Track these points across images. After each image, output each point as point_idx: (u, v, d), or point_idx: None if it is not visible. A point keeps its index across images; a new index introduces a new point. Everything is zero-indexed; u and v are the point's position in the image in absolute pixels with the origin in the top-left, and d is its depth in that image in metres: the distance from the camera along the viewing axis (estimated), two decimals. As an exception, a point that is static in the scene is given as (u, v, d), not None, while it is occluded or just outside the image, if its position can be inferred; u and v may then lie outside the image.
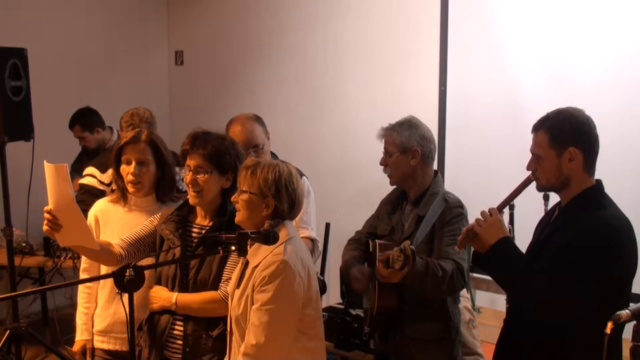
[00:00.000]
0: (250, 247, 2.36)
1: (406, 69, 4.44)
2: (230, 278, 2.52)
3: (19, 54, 3.54)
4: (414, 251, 2.46)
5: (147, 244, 2.71)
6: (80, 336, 2.93)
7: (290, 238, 2.36)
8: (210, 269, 2.56)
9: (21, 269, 4.56)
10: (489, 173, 3.93)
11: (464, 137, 4.07)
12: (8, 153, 3.66)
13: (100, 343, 2.88)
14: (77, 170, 4.08)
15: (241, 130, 3.18)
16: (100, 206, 2.96)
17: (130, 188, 2.85)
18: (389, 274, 2.56)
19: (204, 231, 2.63)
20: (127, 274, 2.03)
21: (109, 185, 3.60)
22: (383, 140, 2.91)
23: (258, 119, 3.29)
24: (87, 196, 3.67)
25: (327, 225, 4.26)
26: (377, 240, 2.82)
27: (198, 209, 2.69)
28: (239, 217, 2.40)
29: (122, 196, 2.90)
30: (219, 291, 2.54)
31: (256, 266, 2.33)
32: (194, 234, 2.65)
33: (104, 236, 2.84)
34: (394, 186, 2.95)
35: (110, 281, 2.86)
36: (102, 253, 2.54)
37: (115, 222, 2.88)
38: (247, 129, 3.19)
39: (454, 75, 4.18)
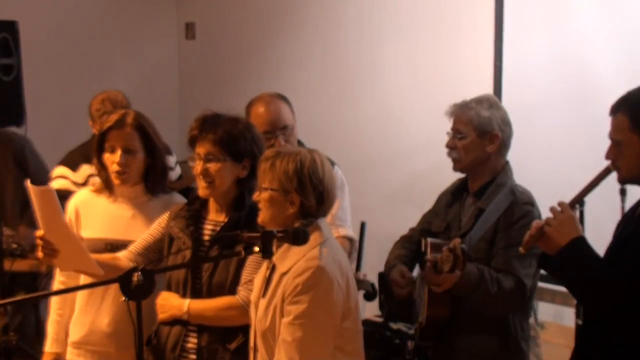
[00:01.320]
0: (276, 249, 2.36)
1: (455, 42, 4.40)
2: (250, 280, 2.54)
3: (10, 28, 3.58)
4: (465, 251, 2.43)
5: (158, 251, 2.73)
6: (49, 348, 2.96)
7: (325, 240, 2.37)
8: (226, 271, 2.58)
9: (11, 274, 4.58)
10: (554, 162, 3.87)
11: (523, 120, 4.00)
12: (-4, 140, 3.70)
13: (74, 357, 2.89)
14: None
15: (266, 110, 3.19)
16: (81, 197, 2.98)
17: (115, 179, 2.87)
18: (438, 279, 2.54)
19: (218, 228, 2.65)
20: (135, 278, 2.03)
21: (84, 184, 3.61)
22: (452, 119, 2.87)
23: (283, 98, 3.31)
24: (62, 202, 3.68)
25: (363, 225, 4.26)
26: (429, 239, 2.79)
27: (212, 202, 2.71)
28: (262, 218, 2.42)
29: (106, 186, 2.92)
30: (237, 296, 2.56)
31: (285, 272, 2.34)
32: (207, 231, 2.68)
33: (86, 230, 2.88)
34: (457, 172, 2.92)
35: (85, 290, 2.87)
36: (110, 273, 2.53)
37: (98, 214, 2.90)
38: (272, 109, 3.20)
39: (511, 48, 4.12)
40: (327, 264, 2.29)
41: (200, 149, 2.62)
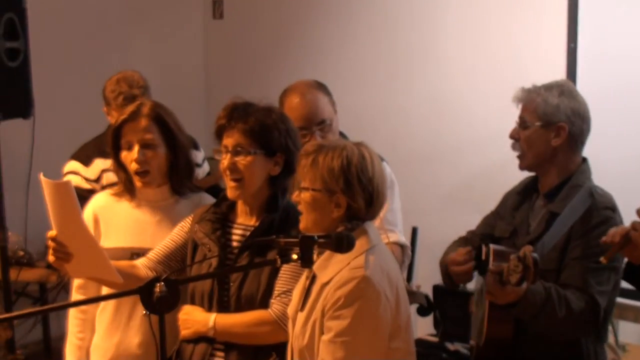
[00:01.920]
0: (317, 257, 2.33)
1: (524, 21, 4.36)
2: (285, 291, 2.55)
3: (16, 7, 3.62)
4: (537, 261, 2.38)
5: (180, 259, 2.75)
6: None
7: (373, 246, 2.36)
8: (257, 282, 2.59)
9: (18, 285, 4.65)
10: (637, 160, 3.83)
11: (602, 111, 3.93)
12: (2, 134, 3.73)
13: None
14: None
15: (301, 102, 3.20)
16: (99, 202, 3.00)
17: (137, 181, 2.89)
18: (502, 292, 2.49)
19: (249, 232, 2.65)
20: (157, 289, 2.03)
21: (97, 181, 3.63)
22: (520, 106, 2.82)
23: (322, 87, 3.30)
24: None
25: (414, 231, 4.25)
26: (491, 245, 2.75)
27: (240, 204, 2.71)
28: (303, 224, 2.42)
29: (127, 189, 2.94)
30: (270, 310, 2.55)
31: (327, 283, 2.33)
32: (236, 236, 2.69)
33: (107, 240, 2.90)
34: (524, 170, 2.89)
35: (113, 303, 2.91)
36: (129, 282, 2.55)
37: (121, 221, 2.93)
38: (308, 101, 3.20)
39: (588, 29, 4.09)
40: (373, 273, 2.28)
41: (228, 140, 2.62)
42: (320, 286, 2.34)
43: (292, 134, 2.67)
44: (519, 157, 2.85)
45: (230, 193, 2.64)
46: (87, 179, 3.64)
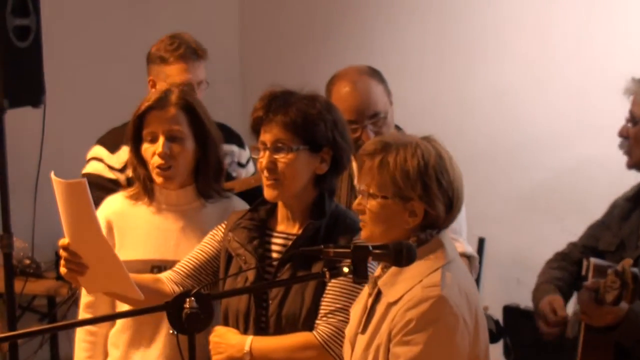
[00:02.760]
0: (383, 270, 2.37)
1: (594, 6, 4.37)
2: (333, 311, 2.55)
3: (27, -21, 3.62)
4: (638, 277, 2.35)
5: (212, 272, 2.77)
6: None
7: (450, 262, 2.35)
8: (301, 299, 2.59)
9: (24, 298, 4.68)
10: None
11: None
12: (8, 125, 3.77)
13: None
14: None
15: (351, 91, 3.21)
16: (113, 206, 3.01)
17: (157, 177, 2.89)
18: (598, 312, 2.47)
19: (291, 242, 2.65)
20: (188, 304, 2.03)
21: (122, 170, 3.66)
22: (631, 98, 2.86)
23: (376, 74, 3.30)
24: (92, 191, 3.71)
25: (481, 242, 4.23)
26: (592, 259, 2.74)
27: (281, 208, 2.72)
28: (366, 233, 2.40)
29: (145, 190, 2.95)
30: (315, 332, 2.56)
31: (394, 302, 2.32)
32: (276, 246, 2.70)
33: (123, 251, 2.89)
34: (632, 169, 2.90)
35: (132, 322, 2.92)
36: (151, 299, 2.55)
37: (139, 228, 2.94)
38: (360, 90, 3.21)
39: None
40: (451, 294, 2.27)
41: (267, 136, 2.63)
42: (386, 305, 2.33)
43: (340, 126, 2.66)
44: (626, 154, 2.85)
45: (267, 192, 2.64)
46: (111, 168, 3.66)
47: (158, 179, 2.88)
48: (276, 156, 2.61)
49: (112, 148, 3.69)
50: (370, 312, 2.38)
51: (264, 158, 2.63)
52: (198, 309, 2.03)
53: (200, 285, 2.63)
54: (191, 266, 2.76)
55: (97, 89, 5.05)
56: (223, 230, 2.78)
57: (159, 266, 2.84)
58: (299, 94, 2.66)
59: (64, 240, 2.51)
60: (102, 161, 3.68)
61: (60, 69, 4.40)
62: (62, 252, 2.52)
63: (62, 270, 2.54)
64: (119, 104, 3.96)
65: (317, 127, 2.61)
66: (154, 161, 2.86)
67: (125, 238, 2.94)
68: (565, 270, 3.00)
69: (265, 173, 2.62)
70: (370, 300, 2.40)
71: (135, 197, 2.97)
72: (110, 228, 2.95)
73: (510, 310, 3.27)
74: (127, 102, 3.74)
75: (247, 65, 6.03)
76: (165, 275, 2.75)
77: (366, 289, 2.44)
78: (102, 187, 3.57)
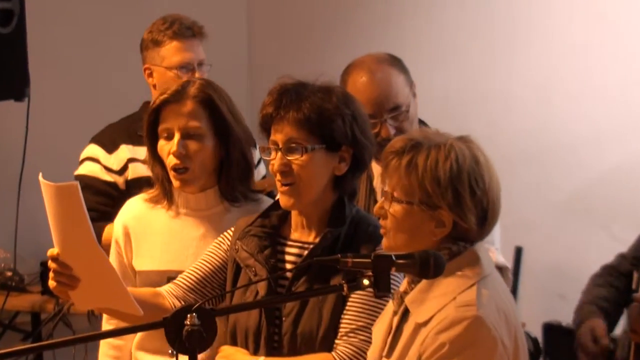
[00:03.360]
0: (410, 285, 2.36)
1: None
2: (354, 329, 2.53)
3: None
4: None
5: (217, 285, 2.78)
6: None
7: (486, 276, 2.35)
8: (318, 315, 2.58)
9: (5, 315, 4.70)
10: None
11: None
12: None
13: None
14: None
15: (369, 82, 3.22)
16: (132, 210, 3.04)
17: (174, 180, 2.91)
18: None
19: (306, 251, 2.66)
20: (188, 321, 2.02)
21: (120, 172, 3.66)
22: None
23: (397, 63, 3.31)
24: (86, 196, 3.67)
25: (518, 251, 4.22)
26: None
27: (295, 214, 2.72)
28: (387, 242, 2.40)
29: (164, 191, 2.96)
30: (334, 352, 2.55)
31: (424, 323, 2.31)
32: (290, 256, 2.70)
33: (141, 259, 2.95)
34: None
35: (158, 334, 2.90)
36: (148, 314, 2.55)
37: (156, 236, 2.96)
38: (379, 80, 3.22)
39: None
40: (488, 313, 2.26)
41: (278, 135, 2.63)
42: (414, 326, 2.32)
43: (360, 121, 2.65)
44: None
45: (283, 201, 2.64)
46: (108, 169, 3.68)
47: (175, 182, 2.90)
48: (289, 157, 2.61)
49: (110, 147, 3.71)
50: (396, 333, 2.38)
51: (275, 160, 2.62)
52: (200, 326, 2.02)
53: (203, 300, 2.64)
54: (194, 279, 2.75)
55: (87, 81, 5.04)
56: (230, 238, 2.78)
57: (175, 277, 2.83)
58: (312, 86, 2.65)
59: (53, 250, 2.51)
60: (98, 162, 3.69)
61: (47, 58, 4.40)
62: (51, 264, 2.53)
63: (51, 283, 2.55)
64: (112, 97, 3.99)
65: (334, 123, 2.60)
66: (169, 161, 2.87)
67: (141, 246, 2.96)
68: (612, 287, 3.00)
69: (278, 177, 2.62)
70: (396, 320, 2.40)
71: (154, 200, 2.99)
72: (127, 235, 2.98)
73: (550, 328, 3.26)
74: (121, 96, 3.76)
75: (256, 54, 6.04)
76: (165, 289, 2.75)
77: (390, 306, 2.43)
78: (98, 191, 3.59)
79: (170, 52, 3.60)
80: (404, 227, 2.36)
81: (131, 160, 3.67)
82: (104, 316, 3.02)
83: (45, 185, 2.41)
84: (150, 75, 3.71)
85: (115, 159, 3.66)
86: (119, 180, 3.62)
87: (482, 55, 4.93)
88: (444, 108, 4.28)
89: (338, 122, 2.60)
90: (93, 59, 5.08)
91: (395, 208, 2.36)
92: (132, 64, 3.95)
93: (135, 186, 3.38)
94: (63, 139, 4.10)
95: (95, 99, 4.92)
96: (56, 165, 3.49)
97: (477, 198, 2.32)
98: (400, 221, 2.35)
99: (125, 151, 3.69)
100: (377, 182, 3.27)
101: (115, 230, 2.99)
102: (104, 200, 3.32)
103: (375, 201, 3.23)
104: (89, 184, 3.67)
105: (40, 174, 2.45)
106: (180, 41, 3.63)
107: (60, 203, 2.43)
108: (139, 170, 3.55)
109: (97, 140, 3.76)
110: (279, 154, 2.61)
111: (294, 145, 2.60)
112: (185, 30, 3.62)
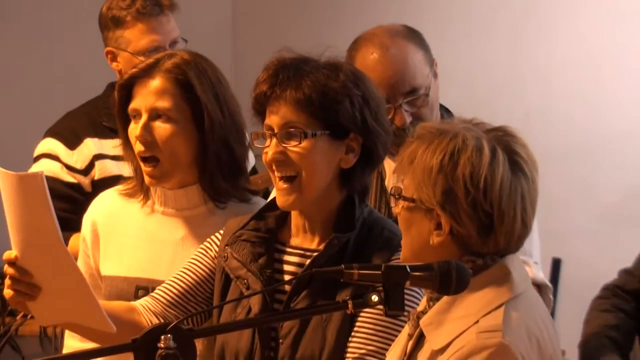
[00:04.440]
0: (428, 306, 2.34)
1: None
2: (364, 355, 2.54)
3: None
4: None
5: (203, 300, 2.78)
6: None
7: (517, 296, 2.33)
8: (321, 338, 2.58)
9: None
10: None
11: None
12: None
13: None
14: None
15: (381, 58, 3.21)
16: (102, 205, 3.05)
17: (145, 175, 2.90)
18: None
19: (308, 261, 2.64)
20: (162, 343, 2.01)
21: (85, 172, 3.64)
22: None
23: (414, 37, 3.30)
24: None
25: (556, 263, 4.24)
26: None
27: (295, 216, 2.72)
28: (402, 252, 2.41)
29: (140, 185, 2.95)
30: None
31: (441, 350, 2.30)
32: (288, 266, 2.71)
33: (108, 263, 2.97)
34: None
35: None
36: (121, 333, 2.55)
37: (126, 237, 2.96)
38: (393, 57, 3.22)
39: None
40: (516, 341, 2.25)
41: (274, 118, 2.61)
42: (430, 353, 2.31)
43: (372, 104, 2.63)
44: None
45: (280, 199, 2.62)
46: (70, 168, 3.65)
47: (146, 178, 2.89)
48: (286, 145, 2.59)
49: (71, 141, 3.68)
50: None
51: (270, 148, 2.61)
52: (176, 349, 2.01)
53: (185, 316, 2.68)
54: (176, 291, 2.75)
55: (45, 64, 5.09)
56: (218, 243, 2.77)
57: (146, 287, 2.85)
58: (316, 61, 2.63)
59: (11, 253, 2.51)
60: (58, 159, 3.67)
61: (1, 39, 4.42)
62: (7, 269, 2.52)
63: (7, 292, 2.55)
64: (69, 79, 3.97)
65: (341, 105, 2.58)
66: (137, 148, 2.87)
67: (110, 246, 2.97)
68: (621, 311, 3.00)
69: (274, 167, 2.61)
70: (410, 345, 2.40)
71: (129, 194, 3.00)
72: (95, 233, 2.99)
73: (590, 351, 3.27)
74: (83, 81, 3.74)
75: (240, 23, 6.04)
76: (141, 303, 2.73)
77: (406, 329, 2.43)
78: (58, 195, 3.56)
79: (136, 35, 3.58)
80: (406, 228, 2.40)
81: (98, 156, 3.64)
82: (66, 331, 3.05)
83: (4, 175, 2.40)
84: (114, 59, 3.67)
85: (79, 156, 3.63)
86: (84, 181, 3.60)
87: (516, 28, 4.95)
88: (469, 92, 4.28)
89: (345, 104, 2.58)
90: (44, 33, 5.10)
91: (398, 206, 2.40)
92: (92, 39, 3.92)
93: (104, 187, 3.31)
94: (17, 129, 4.10)
95: (47, 80, 4.92)
96: (12, 160, 3.47)
97: (473, 197, 2.30)
98: (402, 221, 2.40)
99: (90, 146, 3.65)
100: (389, 181, 3.26)
101: (83, 227, 2.99)
102: (66, 206, 3.30)
103: (387, 203, 3.23)
104: (48, 186, 3.65)
105: None
106: (146, 22, 3.62)
107: (20, 196, 2.43)
108: (107, 168, 3.54)
109: (55, 132, 3.72)
110: (274, 140, 2.60)
111: (291, 130, 2.59)
112: (151, 7, 3.60)
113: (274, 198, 2.69)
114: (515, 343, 2.25)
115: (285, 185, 2.61)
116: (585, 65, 4.81)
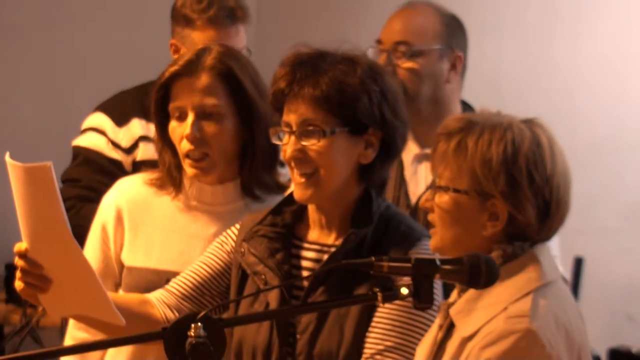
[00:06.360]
0: (459, 295, 2.38)
1: None
2: (383, 350, 2.55)
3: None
4: None
5: (218, 294, 2.80)
6: None
7: (546, 284, 2.36)
8: (339, 333, 2.59)
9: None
10: None
11: None
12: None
13: None
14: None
15: (399, 9, 3.38)
16: (128, 191, 3.03)
17: (189, 169, 2.91)
18: None
19: (326, 255, 2.68)
20: (193, 332, 2.01)
21: (129, 151, 3.68)
22: None
23: (439, 8, 3.39)
24: (85, 172, 3.73)
25: (578, 263, 4.21)
26: None
27: (312, 211, 2.75)
28: (435, 241, 2.44)
29: (171, 178, 2.96)
30: (359, 376, 2.59)
31: (471, 337, 2.33)
32: (306, 261, 2.73)
33: (132, 254, 2.97)
34: None
35: (126, 352, 2.94)
36: (133, 325, 2.56)
37: (157, 229, 2.97)
38: (404, 12, 3.39)
39: None
40: (543, 327, 2.27)
41: (292, 115, 2.64)
42: (460, 341, 2.34)
43: (390, 98, 2.65)
44: None
45: (297, 192, 2.65)
46: (115, 144, 3.66)
47: (190, 171, 2.90)
48: (305, 143, 2.62)
49: (120, 119, 3.69)
50: (439, 351, 2.40)
51: (288, 145, 2.64)
52: (207, 338, 2.00)
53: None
54: (190, 285, 2.77)
55: (56, 52, 5.07)
56: (234, 237, 2.80)
57: None
58: (333, 56, 2.65)
59: (21, 245, 2.51)
60: (105, 134, 3.68)
61: (14, 19, 4.42)
62: (18, 261, 2.53)
63: (18, 284, 2.55)
64: (96, 76, 3.95)
65: (359, 101, 2.60)
66: (183, 147, 2.88)
67: (138, 237, 2.97)
68: None
69: (293, 164, 2.64)
70: (440, 335, 2.42)
71: (157, 185, 3.00)
72: (120, 220, 2.98)
73: (618, 355, 3.26)
74: (108, 75, 3.73)
75: (264, 21, 6.06)
76: (155, 296, 2.77)
77: (437, 321, 2.45)
78: (99, 169, 3.60)
79: (203, 40, 3.55)
80: (453, 221, 2.39)
81: (143, 138, 3.69)
82: (70, 322, 3.05)
83: (13, 167, 2.40)
84: (177, 51, 3.69)
85: (125, 134, 3.65)
86: (126, 159, 3.61)
87: (542, 22, 4.94)
88: (494, 86, 4.27)
89: (363, 100, 2.60)
90: (65, 21, 5.12)
91: (443, 198, 2.39)
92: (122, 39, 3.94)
93: (142, 169, 3.33)
94: (32, 111, 4.11)
95: (74, 72, 4.94)
96: (24, 145, 3.48)
97: (537, 185, 2.34)
98: (449, 213, 2.39)
99: (137, 126, 3.68)
100: (408, 172, 3.28)
101: (103, 213, 2.99)
102: (106, 180, 3.28)
103: (406, 194, 3.24)
104: (91, 159, 3.68)
105: (8, 154, 2.43)
106: (216, 31, 3.63)
107: (30, 188, 2.42)
108: (150, 151, 3.51)
109: (105, 108, 3.74)
110: (293, 138, 2.63)
111: (310, 127, 2.61)
112: (225, 18, 3.61)
113: (290, 193, 2.73)
114: (542, 329, 2.27)
115: (303, 180, 2.64)
116: (610, 63, 4.77)
